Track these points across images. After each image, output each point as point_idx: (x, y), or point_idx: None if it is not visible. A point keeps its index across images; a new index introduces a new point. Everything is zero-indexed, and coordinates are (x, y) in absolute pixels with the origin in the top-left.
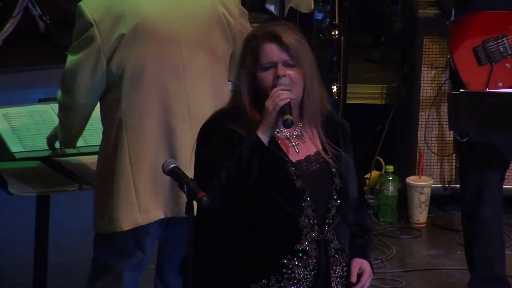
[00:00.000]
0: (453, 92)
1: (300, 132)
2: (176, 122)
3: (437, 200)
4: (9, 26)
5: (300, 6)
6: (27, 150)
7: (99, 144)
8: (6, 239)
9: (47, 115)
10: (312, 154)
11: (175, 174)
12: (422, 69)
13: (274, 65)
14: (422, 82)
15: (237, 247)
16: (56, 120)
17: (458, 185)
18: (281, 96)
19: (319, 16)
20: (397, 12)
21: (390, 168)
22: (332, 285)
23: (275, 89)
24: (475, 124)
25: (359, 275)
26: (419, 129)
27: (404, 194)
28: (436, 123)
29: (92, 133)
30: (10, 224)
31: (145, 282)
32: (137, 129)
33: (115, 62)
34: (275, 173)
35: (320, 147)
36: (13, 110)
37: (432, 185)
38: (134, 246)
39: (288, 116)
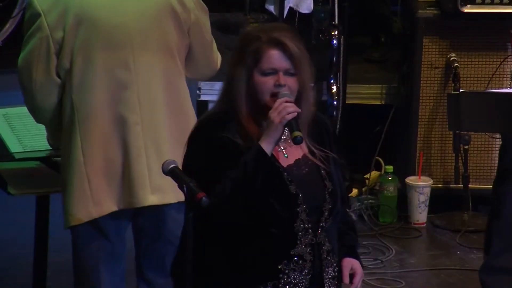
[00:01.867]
0: (453, 92)
1: (287, 135)
2: (127, 113)
3: (436, 200)
4: (9, 26)
5: (300, 6)
6: (26, 150)
7: None
8: (6, 239)
9: None
10: (301, 157)
11: (175, 174)
12: (422, 69)
13: (275, 72)
14: (421, 82)
15: (234, 253)
16: None
17: (458, 185)
18: (288, 109)
19: (318, 16)
20: (397, 12)
21: (390, 168)
22: (326, 287)
23: (279, 101)
24: (475, 124)
25: (351, 276)
26: (419, 129)
27: (403, 194)
28: (436, 123)
29: None
30: (10, 224)
31: None
32: (88, 121)
33: (65, 55)
34: (273, 180)
35: (307, 150)
36: (13, 111)
37: (432, 185)
38: (97, 236)
39: (298, 133)
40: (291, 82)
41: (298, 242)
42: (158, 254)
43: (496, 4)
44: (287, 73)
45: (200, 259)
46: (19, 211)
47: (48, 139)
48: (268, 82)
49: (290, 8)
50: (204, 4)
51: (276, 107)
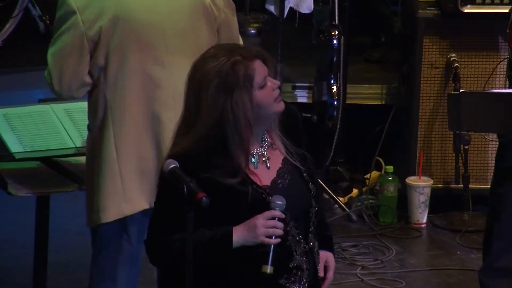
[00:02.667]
0: (453, 92)
1: (269, 141)
2: (161, 110)
3: (437, 200)
4: (9, 27)
5: (300, 6)
6: (27, 150)
7: None
8: (6, 239)
9: (47, 115)
10: (281, 165)
11: (175, 174)
12: (422, 69)
13: (265, 79)
14: (422, 82)
15: (232, 273)
16: (56, 121)
17: (458, 186)
18: (276, 231)
19: (319, 16)
20: (397, 13)
21: (390, 168)
22: (320, 283)
23: (271, 214)
24: (475, 124)
25: (325, 269)
26: (419, 129)
27: (404, 195)
28: (436, 123)
29: None
30: (10, 224)
31: (145, 282)
32: (122, 119)
33: (99, 54)
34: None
35: (284, 151)
36: (13, 111)
37: (432, 186)
38: (120, 236)
39: (267, 269)
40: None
41: (294, 253)
42: None
43: (497, 4)
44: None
45: (200, 280)
46: (19, 211)
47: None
48: (268, 91)
49: (290, 8)
50: (232, 1)
51: (267, 219)
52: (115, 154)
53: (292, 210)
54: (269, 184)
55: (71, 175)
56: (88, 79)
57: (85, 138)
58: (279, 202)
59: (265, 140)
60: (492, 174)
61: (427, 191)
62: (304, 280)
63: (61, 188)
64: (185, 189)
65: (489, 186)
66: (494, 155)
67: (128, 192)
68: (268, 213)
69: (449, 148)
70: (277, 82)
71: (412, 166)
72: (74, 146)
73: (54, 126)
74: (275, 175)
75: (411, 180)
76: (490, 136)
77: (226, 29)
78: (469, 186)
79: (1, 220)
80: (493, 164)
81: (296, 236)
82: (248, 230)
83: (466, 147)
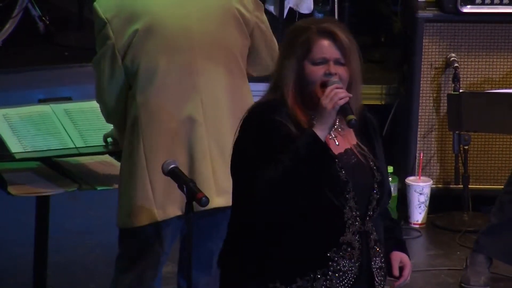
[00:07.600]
0: (453, 92)
1: (339, 125)
2: (193, 115)
3: (436, 200)
4: (9, 27)
5: (300, 7)
6: (27, 150)
7: (99, 144)
8: (6, 239)
9: (47, 115)
10: (350, 148)
11: (175, 174)
12: (422, 69)
13: (326, 61)
14: (422, 82)
15: (283, 241)
16: (56, 121)
17: (458, 186)
18: (339, 95)
19: (318, 16)
20: (397, 13)
21: (390, 168)
22: (374, 276)
23: (330, 88)
24: (476, 124)
25: (400, 269)
26: (419, 129)
27: (403, 195)
28: (436, 123)
29: (92, 134)
30: (10, 224)
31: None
32: (151, 125)
33: (130, 59)
34: (325, 166)
35: (355, 142)
36: (13, 111)
37: (432, 186)
38: (153, 241)
39: (352, 116)
40: (341, 71)
41: (346, 229)
42: (209, 253)
43: (496, 4)
44: (337, 62)
45: (247, 250)
46: (19, 211)
47: (105, 136)
48: (318, 71)
49: (290, 9)
50: (259, 1)
51: (327, 94)
52: (145, 161)
53: (354, 186)
54: (336, 154)
55: (71, 175)
56: (123, 84)
57: (86, 139)
58: (335, 80)
59: (335, 123)
60: (492, 173)
61: (427, 191)
62: (355, 259)
63: (61, 188)
64: (184, 189)
65: (489, 186)
66: (493, 155)
67: (159, 199)
68: (327, 91)
69: (449, 148)
70: (334, 72)
71: (411, 166)
72: (74, 146)
73: (54, 126)
74: (342, 151)
75: (410, 180)
76: (496, 136)
77: (260, 33)
78: (469, 186)
79: (1, 220)
80: (493, 164)
81: (354, 211)
82: (321, 115)
83: (466, 147)
